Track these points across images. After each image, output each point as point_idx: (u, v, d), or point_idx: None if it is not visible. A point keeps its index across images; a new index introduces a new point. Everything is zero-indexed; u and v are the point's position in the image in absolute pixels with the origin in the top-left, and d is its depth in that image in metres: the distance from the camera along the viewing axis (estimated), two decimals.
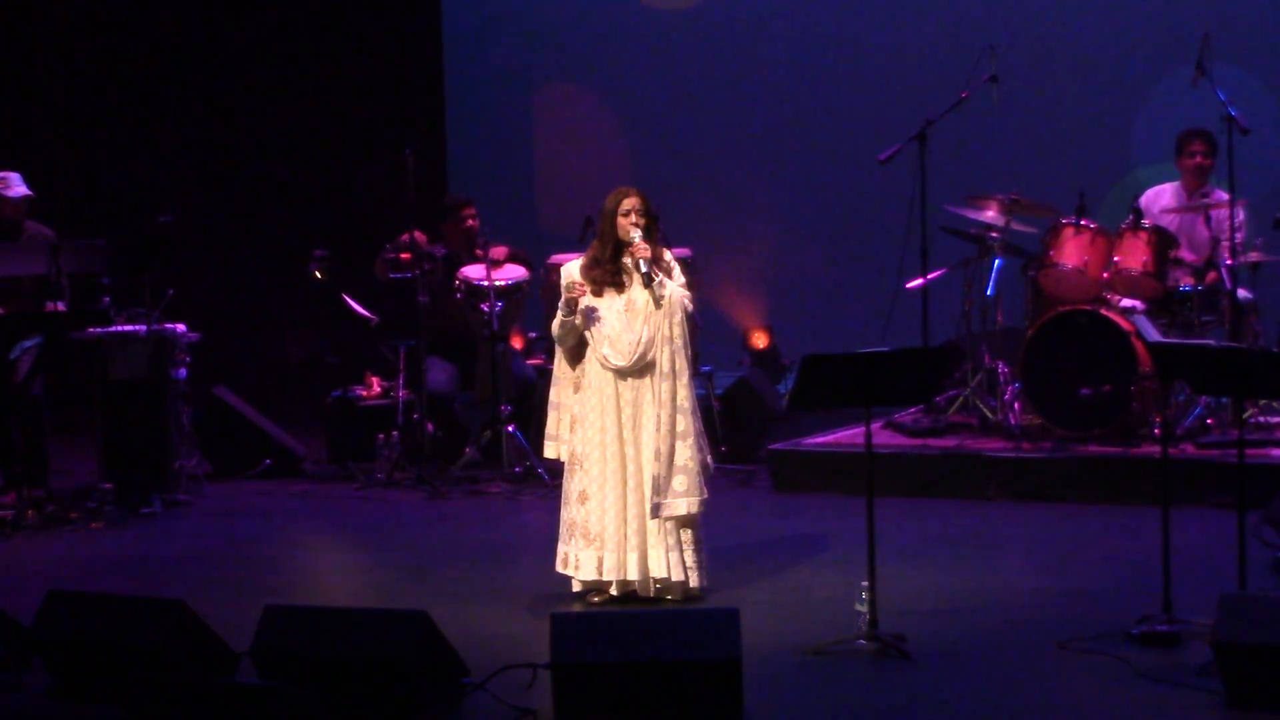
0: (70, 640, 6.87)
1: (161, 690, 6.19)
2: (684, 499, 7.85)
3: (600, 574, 7.91)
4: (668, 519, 7.86)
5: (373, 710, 6.41)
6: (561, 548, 8.01)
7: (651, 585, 7.92)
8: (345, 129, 14.35)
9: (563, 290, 8.04)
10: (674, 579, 7.88)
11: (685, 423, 7.90)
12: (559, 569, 8.02)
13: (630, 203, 7.95)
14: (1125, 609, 7.42)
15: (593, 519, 7.92)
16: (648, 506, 7.85)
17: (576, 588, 8.02)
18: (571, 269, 8.09)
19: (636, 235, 7.91)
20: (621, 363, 7.91)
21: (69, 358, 10.75)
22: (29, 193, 10.26)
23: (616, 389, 7.94)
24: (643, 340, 7.90)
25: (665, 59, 13.92)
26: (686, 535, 7.91)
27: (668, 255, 8.09)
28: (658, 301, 7.90)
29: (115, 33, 14.39)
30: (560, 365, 8.14)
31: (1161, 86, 12.14)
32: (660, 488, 7.82)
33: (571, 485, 8.00)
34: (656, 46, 13.95)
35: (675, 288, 7.96)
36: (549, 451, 8.16)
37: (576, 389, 8.04)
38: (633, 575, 7.89)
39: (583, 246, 9.76)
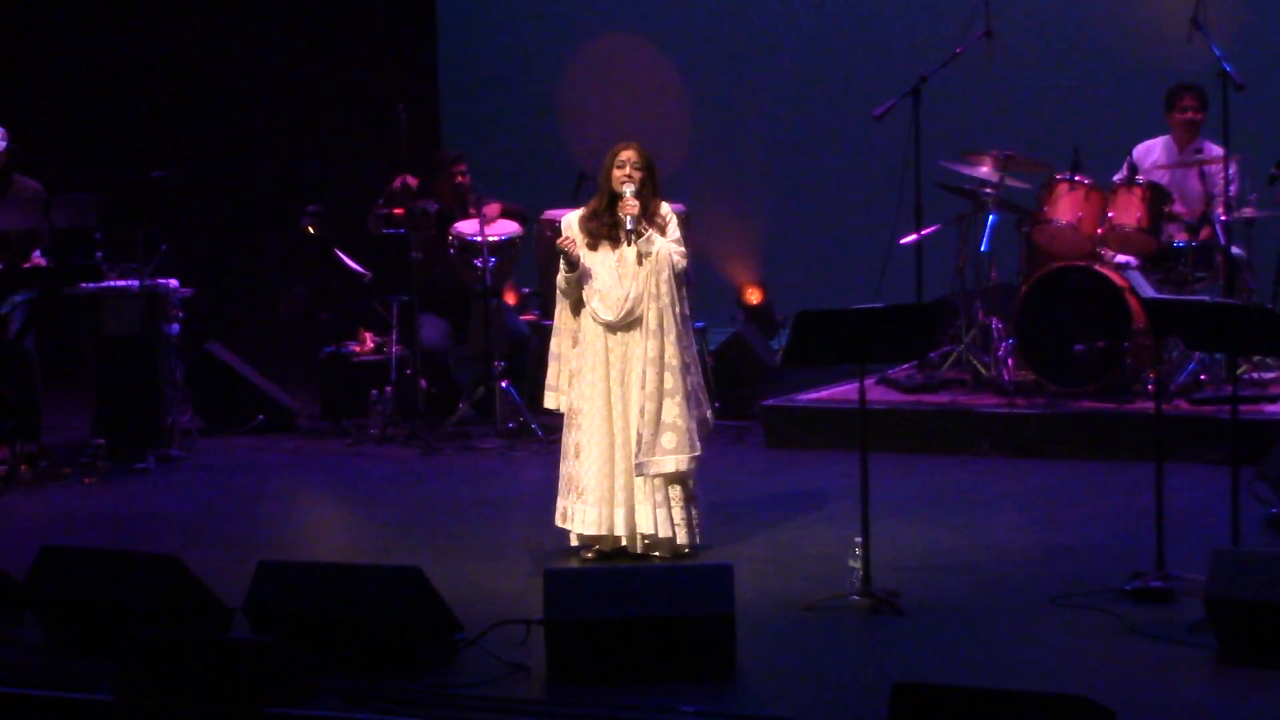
0: (63, 595, 6.87)
1: (155, 645, 6.19)
2: (672, 456, 7.81)
3: (585, 527, 7.90)
4: (655, 475, 7.84)
5: (366, 666, 6.41)
6: (560, 502, 7.99)
7: (640, 541, 7.91)
8: (338, 83, 14.29)
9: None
10: (661, 535, 7.86)
11: (674, 380, 7.83)
12: (558, 523, 8.00)
13: (626, 155, 7.90)
14: (1118, 565, 7.44)
15: (585, 473, 7.91)
16: (633, 463, 7.84)
17: (574, 542, 8.01)
18: (572, 219, 8.06)
19: (628, 190, 7.85)
20: (610, 317, 7.87)
21: (61, 313, 10.70)
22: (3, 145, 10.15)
23: (606, 344, 7.91)
24: (630, 296, 7.86)
25: (660, 14, 13.85)
26: (676, 492, 7.88)
27: (665, 209, 8.01)
28: (640, 258, 7.85)
29: None
30: (561, 316, 8.08)
31: (1157, 41, 12.09)
32: (645, 446, 7.79)
33: (569, 439, 7.97)
34: (650, 2, 13.89)
35: (665, 244, 7.88)
36: (549, 402, 8.12)
37: (575, 343, 8.02)
38: (619, 530, 7.87)
39: (576, 202, 9.74)
